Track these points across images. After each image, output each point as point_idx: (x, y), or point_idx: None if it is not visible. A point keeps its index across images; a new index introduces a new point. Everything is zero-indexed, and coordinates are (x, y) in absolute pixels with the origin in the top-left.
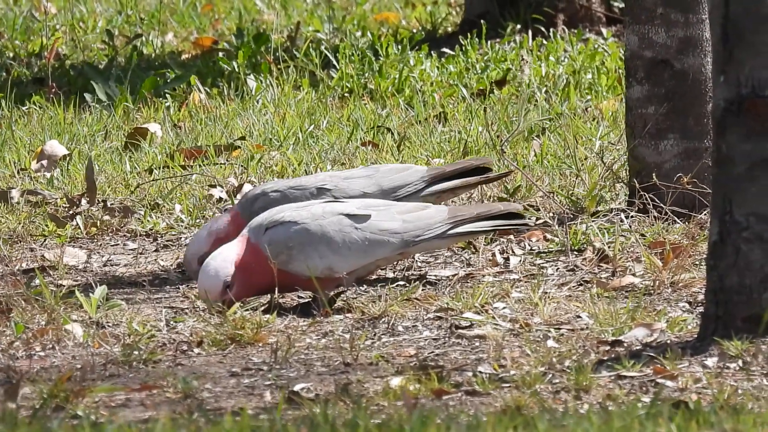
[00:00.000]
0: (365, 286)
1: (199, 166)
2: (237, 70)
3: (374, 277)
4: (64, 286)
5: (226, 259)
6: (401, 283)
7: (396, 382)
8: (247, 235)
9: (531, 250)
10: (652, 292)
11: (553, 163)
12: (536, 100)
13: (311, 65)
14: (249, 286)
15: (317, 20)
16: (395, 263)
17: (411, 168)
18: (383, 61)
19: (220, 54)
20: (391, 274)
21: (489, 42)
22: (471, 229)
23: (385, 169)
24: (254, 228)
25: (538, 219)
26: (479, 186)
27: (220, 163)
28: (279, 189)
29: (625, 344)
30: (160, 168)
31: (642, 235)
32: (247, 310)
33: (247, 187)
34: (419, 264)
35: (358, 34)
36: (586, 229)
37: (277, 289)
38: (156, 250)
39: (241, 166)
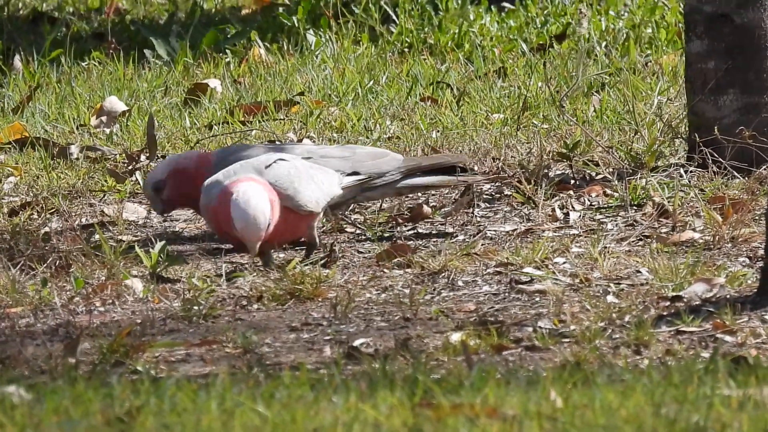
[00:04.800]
0: (424, 241)
1: (259, 121)
2: (296, 25)
3: (434, 231)
4: (123, 241)
5: (262, 197)
6: (461, 237)
7: (456, 337)
8: (249, 176)
9: (591, 205)
10: (711, 247)
11: (613, 119)
12: (596, 55)
13: (371, 20)
14: (277, 227)
15: None
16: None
17: (388, 155)
18: (443, 16)
19: (280, 9)
20: (451, 229)
21: None
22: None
23: (362, 153)
24: (250, 170)
25: (597, 174)
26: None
27: (280, 119)
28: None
29: (685, 299)
30: (219, 124)
31: (701, 190)
32: (306, 264)
33: (306, 142)
34: (479, 219)
35: None
36: (645, 184)
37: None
38: None
39: (301, 121)
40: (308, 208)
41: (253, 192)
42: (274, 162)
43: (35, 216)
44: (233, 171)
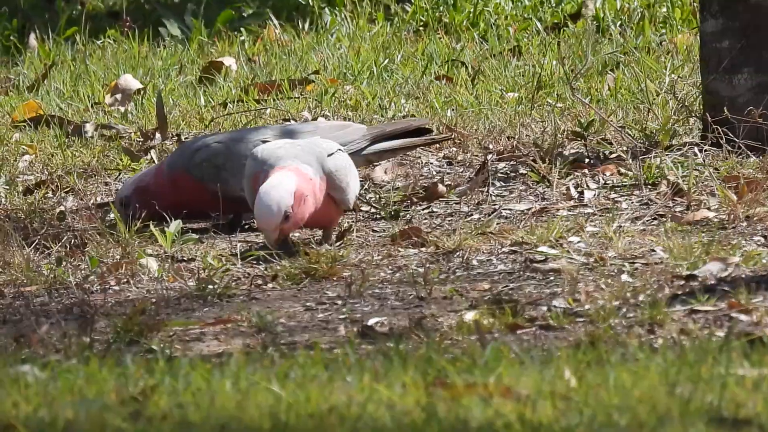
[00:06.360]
0: (440, 221)
1: (274, 100)
2: (312, 3)
3: (449, 211)
4: (138, 220)
5: (286, 189)
6: (476, 216)
7: (470, 316)
8: (296, 165)
9: (605, 184)
10: (726, 226)
11: (627, 98)
12: (611, 34)
13: None
14: (303, 218)
15: None
16: None
17: (351, 126)
18: None
19: None
20: (465, 208)
21: None
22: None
23: (325, 126)
24: (305, 158)
25: (612, 153)
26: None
27: (295, 97)
28: (221, 140)
29: (700, 278)
30: (234, 102)
31: (716, 168)
32: (335, 246)
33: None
34: (493, 198)
35: None
36: (660, 163)
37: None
38: None
39: (316, 100)
40: (349, 205)
41: (280, 182)
42: (336, 152)
43: (50, 194)
44: (294, 153)
